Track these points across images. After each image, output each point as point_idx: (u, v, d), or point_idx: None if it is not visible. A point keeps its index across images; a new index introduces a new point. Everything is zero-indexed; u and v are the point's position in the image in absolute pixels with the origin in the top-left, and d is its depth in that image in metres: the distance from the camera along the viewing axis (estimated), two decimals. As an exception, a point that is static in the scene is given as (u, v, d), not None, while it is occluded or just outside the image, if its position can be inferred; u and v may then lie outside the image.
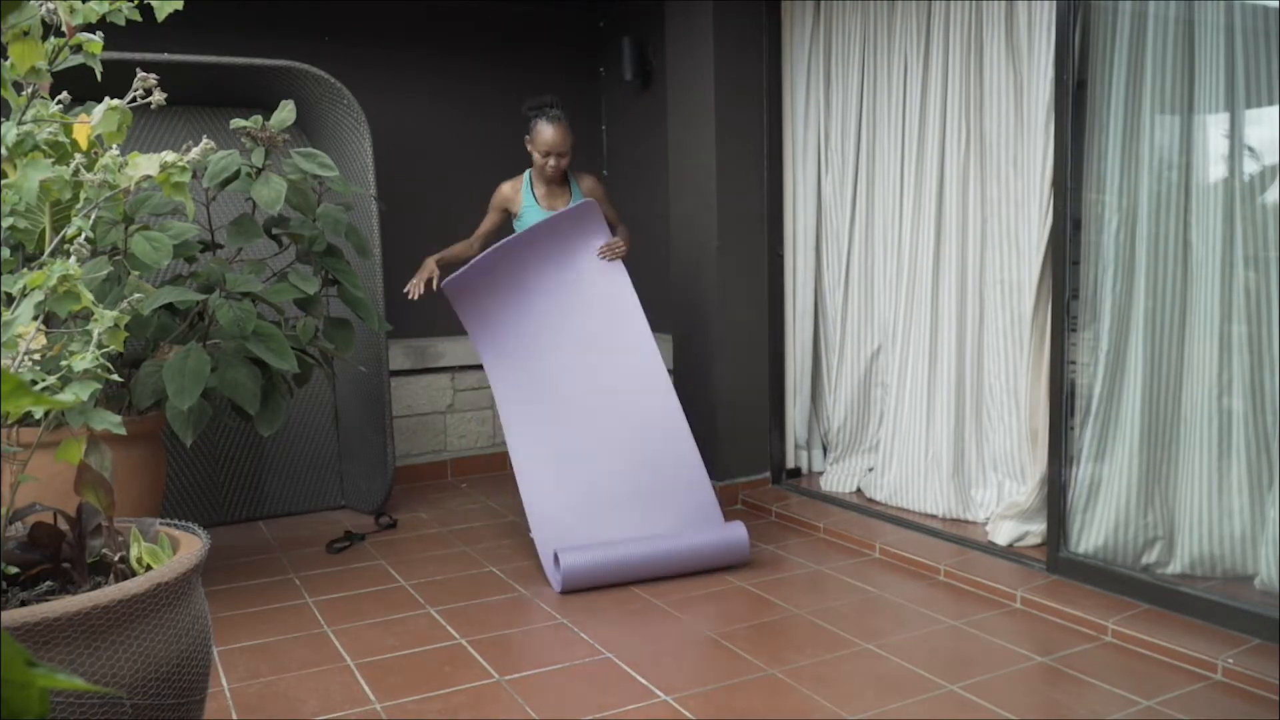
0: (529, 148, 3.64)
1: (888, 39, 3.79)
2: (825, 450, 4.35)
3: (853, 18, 3.93)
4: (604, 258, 3.55)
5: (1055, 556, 3.11)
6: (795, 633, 2.84)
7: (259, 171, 3.26)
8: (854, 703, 2.40)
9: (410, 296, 3.54)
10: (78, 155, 1.84)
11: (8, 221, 1.88)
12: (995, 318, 3.47)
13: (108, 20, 1.74)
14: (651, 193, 4.82)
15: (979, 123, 3.48)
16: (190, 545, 1.81)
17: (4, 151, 1.70)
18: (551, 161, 3.58)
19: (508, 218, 3.77)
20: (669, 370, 4.59)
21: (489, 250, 3.45)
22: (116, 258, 2.95)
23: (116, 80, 2.46)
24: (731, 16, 4.07)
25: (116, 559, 1.80)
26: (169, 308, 3.13)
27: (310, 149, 3.39)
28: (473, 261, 3.43)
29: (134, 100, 1.84)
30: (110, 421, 1.74)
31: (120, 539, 1.85)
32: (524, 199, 3.71)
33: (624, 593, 3.18)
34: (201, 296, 3.02)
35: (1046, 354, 3.20)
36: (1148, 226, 2.90)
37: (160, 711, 1.58)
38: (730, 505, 4.19)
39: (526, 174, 3.74)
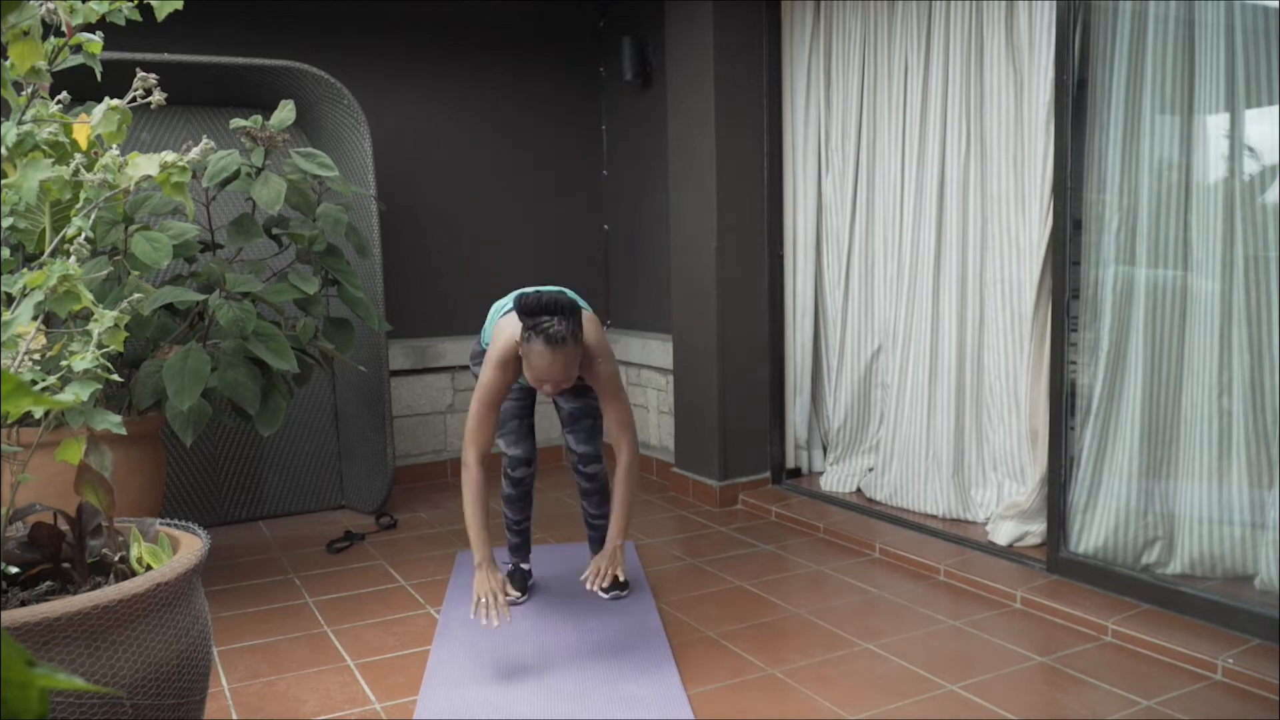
0: (519, 351, 2.64)
1: (888, 39, 3.79)
2: (825, 450, 4.34)
3: (853, 18, 3.93)
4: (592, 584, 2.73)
5: (1055, 556, 3.11)
6: (795, 633, 2.84)
7: (259, 171, 3.26)
8: (854, 703, 2.40)
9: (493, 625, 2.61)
10: (78, 155, 1.84)
11: (8, 221, 1.88)
12: (995, 318, 3.47)
13: (108, 20, 1.74)
14: (651, 193, 4.82)
15: (979, 123, 3.47)
16: (190, 545, 1.81)
17: (4, 151, 1.70)
18: (547, 389, 2.63)
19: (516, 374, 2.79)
20: (669, 371, 4.59)
21: None
22: (116, 258, 2.95)
23: (116, 80, 2.47)
24: (731, 16, 4.07)
25: (116, 559, 1.80)
26: (169, 308, 3.13)
27: (310, 149, 3.40)
28: None
29: (134, 100, 1.84)
30: (110, 421, 1.74)
31: (120, 539, 1.85)
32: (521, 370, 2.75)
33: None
34: (201, 296, 3.02)
35: (1046, 354, 3.20)
36: (1148, 226, 2.90)
37: (160, 711, 1.58)
38: (730, 505, 4.19)
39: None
